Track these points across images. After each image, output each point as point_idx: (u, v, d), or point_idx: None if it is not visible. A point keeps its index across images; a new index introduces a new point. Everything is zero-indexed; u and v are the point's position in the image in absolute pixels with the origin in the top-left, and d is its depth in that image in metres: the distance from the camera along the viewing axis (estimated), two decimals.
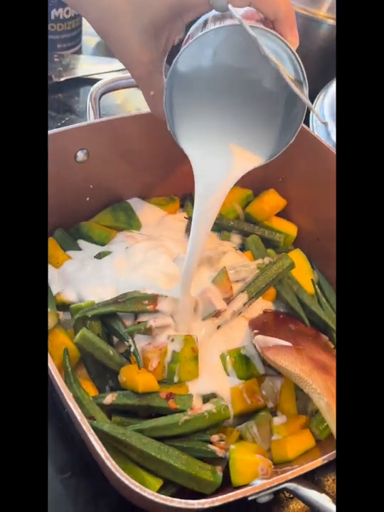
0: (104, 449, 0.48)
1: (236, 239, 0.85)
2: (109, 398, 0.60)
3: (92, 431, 0.49)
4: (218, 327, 0.72)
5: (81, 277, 0.73)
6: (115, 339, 0.68)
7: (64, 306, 0.70)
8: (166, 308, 0.68)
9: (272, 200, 0.86)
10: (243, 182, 0.90)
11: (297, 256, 0.82)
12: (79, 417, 0.50)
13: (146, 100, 0.60)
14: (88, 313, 0.64)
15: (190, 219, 0.85)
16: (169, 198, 0.87)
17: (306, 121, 0.92)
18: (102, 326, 0.66)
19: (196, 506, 0.47)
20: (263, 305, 0.77)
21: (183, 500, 0.47)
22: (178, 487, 0.58)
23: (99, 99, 0.77)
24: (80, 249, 0.77)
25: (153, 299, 0.68)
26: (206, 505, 0.47)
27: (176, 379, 0.66)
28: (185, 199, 0.89)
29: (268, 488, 0.49)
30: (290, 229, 0.86)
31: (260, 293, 0.75)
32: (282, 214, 0.88)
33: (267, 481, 0.49)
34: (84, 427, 0.49)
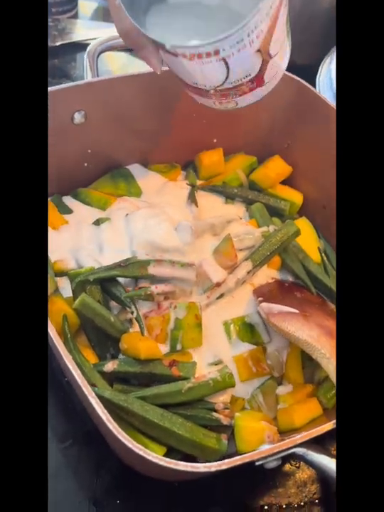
0: (105, 411, 0.47)
1: (240, 207, 0.84)
2: (110, 365, 0.59)
3: (93, 394, 0.48)
4: (221, 295, 0.71)
5: (79, 244, 0.71)
6: (114, 306, 0.67)
7: (62, 274, 0.68)
8: (168, 274, 0.67)
9: (277, 167, 0.85)
10: (247, 148, 0.89)
11: (303, 224, 0.81)
12: (80, 381, 0.48)
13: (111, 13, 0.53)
14: (89, 278, 0.63)
15: (192, 187, 0.84)
16: (170, 165, 0.86)
17: (313, 83, 0.90)
18: (102, 293, 0.65)
19: (202, 470, 0.46)
20: (268, 273, 0.76)
21: (189, 464, 0.46)
22: (182, 455, 0.57)
23: (97, 57, 0.75)
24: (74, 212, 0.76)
25: (157, 264, 0.66)
26: (213, 469, 0.46)
27: (178, 346, 0.65)
28: (187, 167, 0.87)
29: (277, 452, 0.48)
30: (295, 197, 0.85)
31: (265, 261, 0.74)
32: (287, 182, 0.87)
33: (276, 445, 0.48)
34: (86, 391, 0.48)
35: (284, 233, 0.75)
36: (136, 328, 0.65)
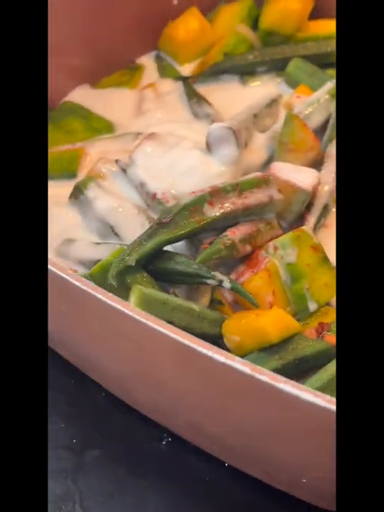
0: None
1: (270, 79, 0.80)
2: None
3: None
4: (326, 207, 0.66)
5: (71, 234, 0.67)
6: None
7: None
8: (237, 207, 0.61)
9: None
10: None
11: None
12: None
13: None
14: (128, 262, 0.57)
15: (183, 80, 0.79)
16: (127, 69, 0.82)
17: None
18: (151, 278, 0.59)
19: None
20: None
21: None
22: None
23: None
24: None
25: (213, 198, 0.61)
26: None
27: (311, 305, 0.60)
28: (157, 59, 0.83)
29: None
30: None
31: None
32: (316, 12, 0.83)
33: None
34: None
35: None
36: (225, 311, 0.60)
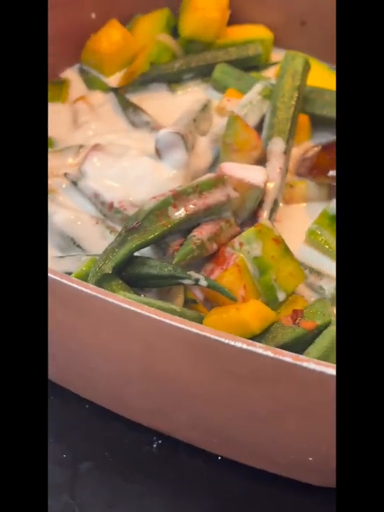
0: None
1: (197, 85, 0.82)
2: None
3: None
4: (276, 202, 0.68)
5: None
6: None
7: None
8: (200, 207, 0.62)
9: (209, 2, 0.81)
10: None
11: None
12: None
13: None
14: (105, 270, 0.57)
15: (115, 91, 0.80)
16: (53, 81, 0.81)
17: None
18: (125, 285, 0.60)
19: None
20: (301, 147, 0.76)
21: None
22: None
23: None
24: None
25: (176, 201, 0.61)
26: None
27: (280, 295, 0.62)
28: (79, 72, 0.83)
29: None
30: (259, 31, 0.83)
31: (294, 127, 0.73)
32: (235, 18, 0.85)
33: None
34: None
35: (291, 75, 0.73)
36: (200, 309, 0.61)
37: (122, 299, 0.47)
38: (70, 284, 0.47)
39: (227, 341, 0.43)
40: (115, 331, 0.50)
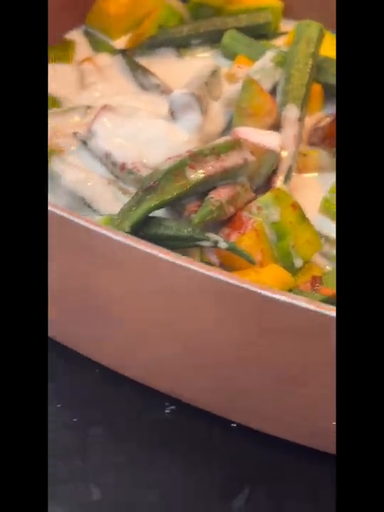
0: None
1: (205, 52, 0.81)
2: None
3: None
4: (290, 169, 0.68)
5: None
6: None
7: None
8: (218, 169, 0.61)
9: None
10: None
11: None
12: None
13: None
14: (123, 228, 0.56)
15: (122, 53, 0.78)
16: (60, 44, 0.80)
17: None
18: None
19: None
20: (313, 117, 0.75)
21: None
22: None
23: None
24: None
25: (194, 162, 0.60)
26: None
27: (297, 262, 0.61)
28: (85, 34, 0.82)
29: None
30: None
31: (308, 94, 0.72)
32: None
33: None
34: None
35: (306, 42, 0.72)
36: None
37: (151, 246, 0.45)
38: (101, 231, 0.45)
39: (268, 294, 0.42)
40: (143, 279, 0.48)
